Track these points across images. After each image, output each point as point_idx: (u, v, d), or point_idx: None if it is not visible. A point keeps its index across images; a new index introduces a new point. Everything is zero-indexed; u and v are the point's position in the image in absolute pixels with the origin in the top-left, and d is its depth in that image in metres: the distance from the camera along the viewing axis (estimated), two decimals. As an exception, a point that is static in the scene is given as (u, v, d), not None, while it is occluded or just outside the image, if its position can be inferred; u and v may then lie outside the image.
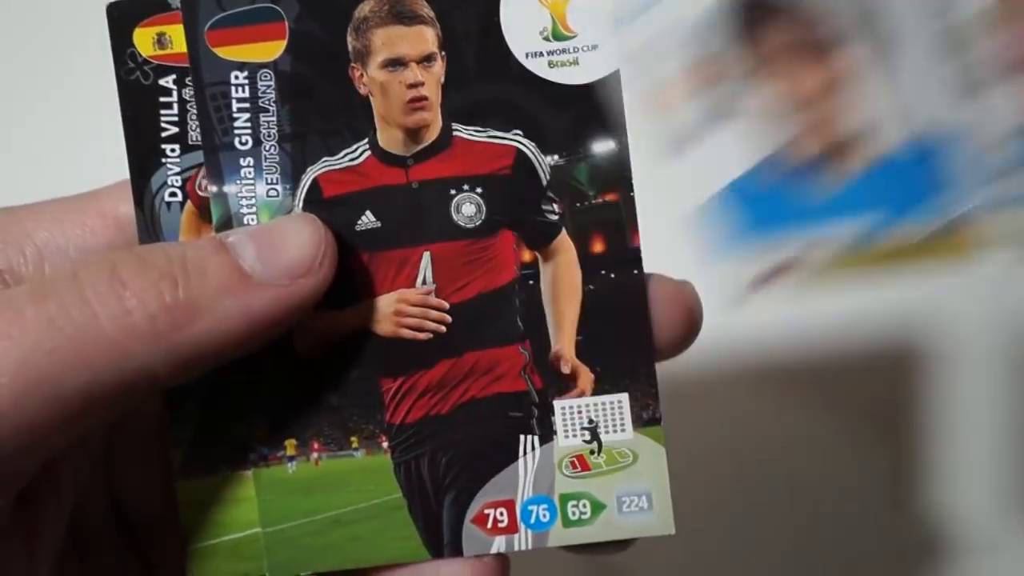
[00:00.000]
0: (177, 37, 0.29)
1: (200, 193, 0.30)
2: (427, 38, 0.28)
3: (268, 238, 0.26)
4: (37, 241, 0.29)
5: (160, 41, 0.29)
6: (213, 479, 0.29)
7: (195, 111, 0.29)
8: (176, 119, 0.29)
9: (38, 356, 0.23)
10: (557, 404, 0.29)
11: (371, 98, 0.29)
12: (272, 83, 0.28)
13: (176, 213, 0.30)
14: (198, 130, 0.29)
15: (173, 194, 0.29)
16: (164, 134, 0.29)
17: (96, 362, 0.24)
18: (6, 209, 0.30)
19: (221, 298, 0.25)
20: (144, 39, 0.29)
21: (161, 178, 0.29)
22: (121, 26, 0.29)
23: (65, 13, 0.42)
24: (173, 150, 0.29)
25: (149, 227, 0.29)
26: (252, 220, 0.29)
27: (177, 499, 0.29)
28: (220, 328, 0.25)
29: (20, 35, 0.44)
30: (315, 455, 0.30)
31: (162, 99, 0.29)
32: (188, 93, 0.29)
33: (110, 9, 0.29)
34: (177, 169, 0.29)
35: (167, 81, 0.29)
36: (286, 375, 0.29)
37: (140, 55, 0.29)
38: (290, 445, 0.30)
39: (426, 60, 0.28)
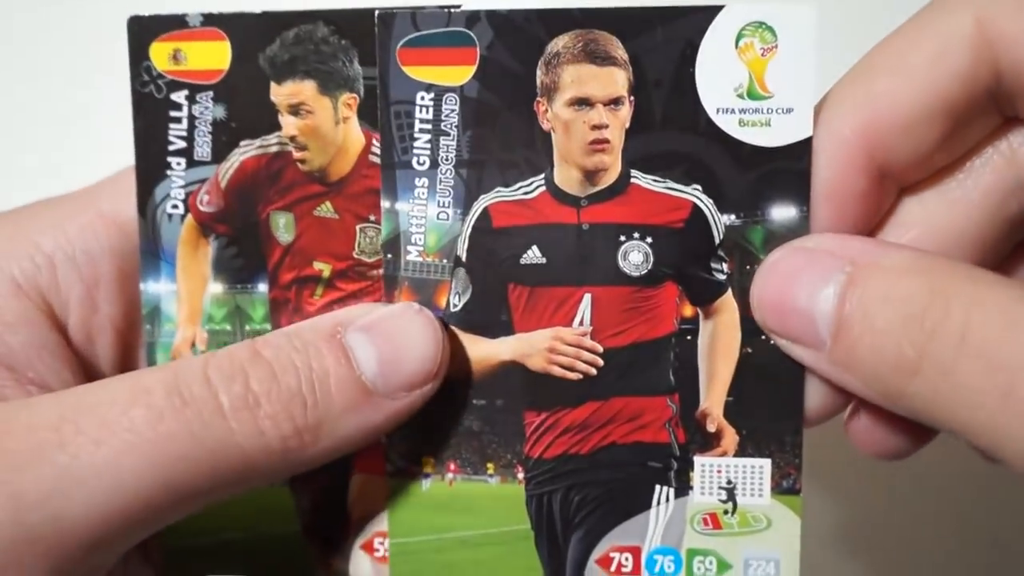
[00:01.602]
0: (192, 54, 0.30)
1: (201, 208, 0.30)
2: (617, 81, 0.28)
3: (391, 345, 0.27)
4: (45, 249, 0.30)
5: (176, 57, 0.30)
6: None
7: (202, 128, 0.30)
8: (184, 134, 0.30)
9: (173, 463, 0.24)
10: (698, 460, 0.29)
11: (553, 134, 0.28)
12: (456, 108, 0.28)
13: (176, 224, 0.30)
14: (206, 146, 0.30)
15: (175, 206, 0.30)
16: (172, 147, 0.30)
17: (224, 473, 0.25)
18: (7, 215, 0.31)
19: (344, 417, 0.26)
20: (160, 54, 0.30)
21: (165, 189, 0.30)
22: (139, 39, 0.30)
23: (93, 21, 0.42)
24: (179, 163, 0.30)
25: (150, 236, 0.30)
26: (419, 240, 0.29)
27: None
28: (339, 444, 0.26)
29: (50, 39, 0.45)
30: (450, 475, 0.30)
31: (172, 113, 0.30)
32: (198, 110, 0.30)
33: (130, 22, 0.30)
34: (181, 182, 0.30)
35: (179, 96, 0.30)
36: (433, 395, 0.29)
37: (155, 69, 0.30)
38: (427, 463, 0.30)
39: (613, 103, 0.28)
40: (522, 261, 0.29)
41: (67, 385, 0.29)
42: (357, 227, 0.30)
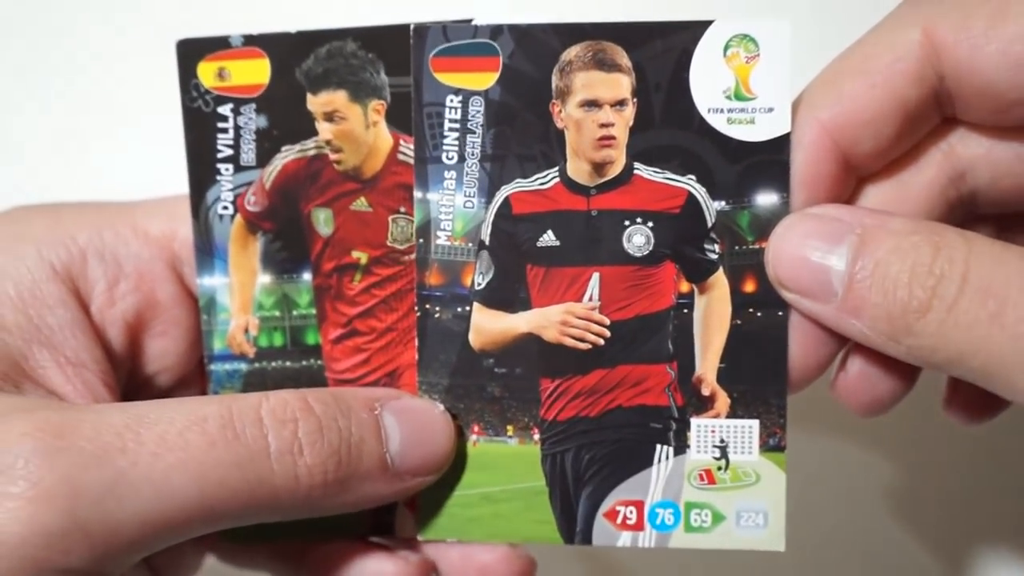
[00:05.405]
0: (236, 71, 0.34)
1: (249, 208, 0.35)
2: (623, 85, 0.32)
3: (415, 436, 0.31)
4: (80, 242, 0.34)
5: (221, 74, 0.34)
6: None
7: (247, 136, 0.34)
8: (231, 143, 0.34)
9: (214, 486, 0.27)
10: (694, 422, 0.33)
11: (566, 132, 0.32)
12: (481, 109, 0.32)
13: (227, 224, 0.35)
14: (251, 152, 0.34)
15: (225, 208, 0.35)
16: (220, 155, 0.34)
17: (254, 504, 0.28)
18: (52, 208, 0.35)
19: (362, 483, 0.30)
20: (207, 72, 0.34)
21: (215, 193, 0.34)
22: (188, 60, 0.34)
23: (143, 47, 0.47)
24: (227, 169, 0.34)
25: (204, 235, 0.35)
26: (448, 226, 0.33)
27: None
28: (349, 504, 0.30)
29: (108, 64, 0.49)
30: (474, 437, 0.34)
31: (219, 125, 0.34)
32: (242, 120, 0.34)
33: (179, 45, 0.34)
34: (230, 186, 0.35)
35: (225, 109, 0.34)
36: (459, 363, 0.33)
37: (203, 86, 0.34)
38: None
39: (619, 104, 0.32)
40: (539, 244, 0.33)
41: (99, 362, 0.33)
42: (389, 218, 0.34)
